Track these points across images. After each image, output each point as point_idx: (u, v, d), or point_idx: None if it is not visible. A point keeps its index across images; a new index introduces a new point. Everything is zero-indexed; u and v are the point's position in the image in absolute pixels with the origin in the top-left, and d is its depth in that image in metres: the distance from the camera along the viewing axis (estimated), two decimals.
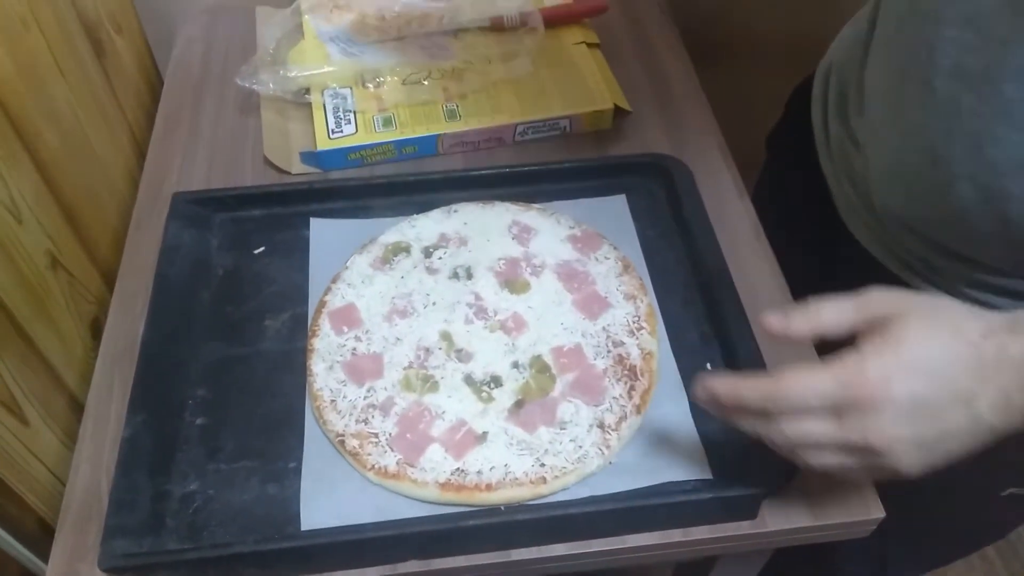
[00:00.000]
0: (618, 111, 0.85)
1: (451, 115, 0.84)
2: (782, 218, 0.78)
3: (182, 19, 0.98)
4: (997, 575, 1.41)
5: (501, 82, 0.86)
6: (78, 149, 0.74)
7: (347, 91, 0.85)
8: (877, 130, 0.65)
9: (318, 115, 0.83)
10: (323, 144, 0.81)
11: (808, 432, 0.47)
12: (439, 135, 0.82)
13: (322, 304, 0.69)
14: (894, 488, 0.60)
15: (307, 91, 0.85)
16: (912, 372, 0.45)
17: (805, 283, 0.72)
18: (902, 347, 0.45)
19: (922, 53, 0.54)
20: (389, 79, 0.86)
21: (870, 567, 0.87)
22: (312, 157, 0.81)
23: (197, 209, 0.75)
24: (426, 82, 0.86)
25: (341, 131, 0.82)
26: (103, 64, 0.82)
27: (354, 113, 0.83)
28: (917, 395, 0.45)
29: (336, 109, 0.83)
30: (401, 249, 0.73)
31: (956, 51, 0.52)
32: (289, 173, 0.81)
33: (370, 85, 0.86)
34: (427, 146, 0.83)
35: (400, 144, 0.82)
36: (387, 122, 0.83)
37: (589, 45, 0.92)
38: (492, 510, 0.58)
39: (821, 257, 0.78)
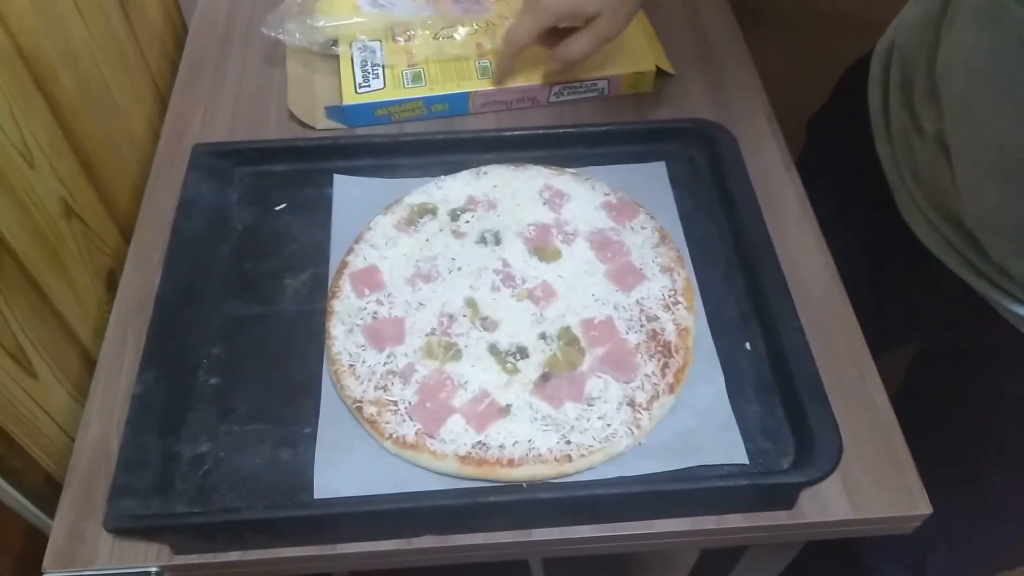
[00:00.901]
0: (660, 74, 0.80)
1: (483, 72, 0.80)
2: (823, 207, 0.73)
3: None
4: None
5: None
6: (96, 94, 0.72)
7: (376, 44, 0.81)
8: (968, 115, 0.59)
9: (345, 68, 0.80)
10: (349, 99, 0.78)
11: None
12: (470, 93, 0.78)
13: (343, 265, 0.66)
14: (942, 489, 0.57)
15: (334, 43, 0.82)
16: None
17: (852, 273, 0.68)
18: None
19: None
20: (420, 33, 0.82)
21: (905, 570, 0.84)
22: (338, 112, 0.78)
23: (218, 162, 0.73)
24: (458, 37, 0.82)
25: (368, 86, 0.78)
26: (124, 8, 0.79)
27: (382, 67, 0.80)
28: None
29: (364, 63, 0.80)
30: (427, 211, 0.70)
31: None
32: (314, 128, 0.78)
33: (400, 39, 0.82)
34: (458, 104, 0.79)
35: (429, 101, 0.78)
36: (416, 78, 0.79)
37: None
38: (513, 487, 0.55)
39: (871, 248, 0.73)
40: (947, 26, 0.62)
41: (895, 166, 0.71)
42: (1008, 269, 0.62)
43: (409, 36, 0.82)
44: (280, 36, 0.81)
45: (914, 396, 0.61)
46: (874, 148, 0.73)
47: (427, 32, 0.82)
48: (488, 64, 0.80)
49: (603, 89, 0.80)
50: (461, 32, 0.82)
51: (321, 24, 0.81)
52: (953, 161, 0.62)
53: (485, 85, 0.79)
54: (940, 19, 0.63)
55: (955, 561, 0.80)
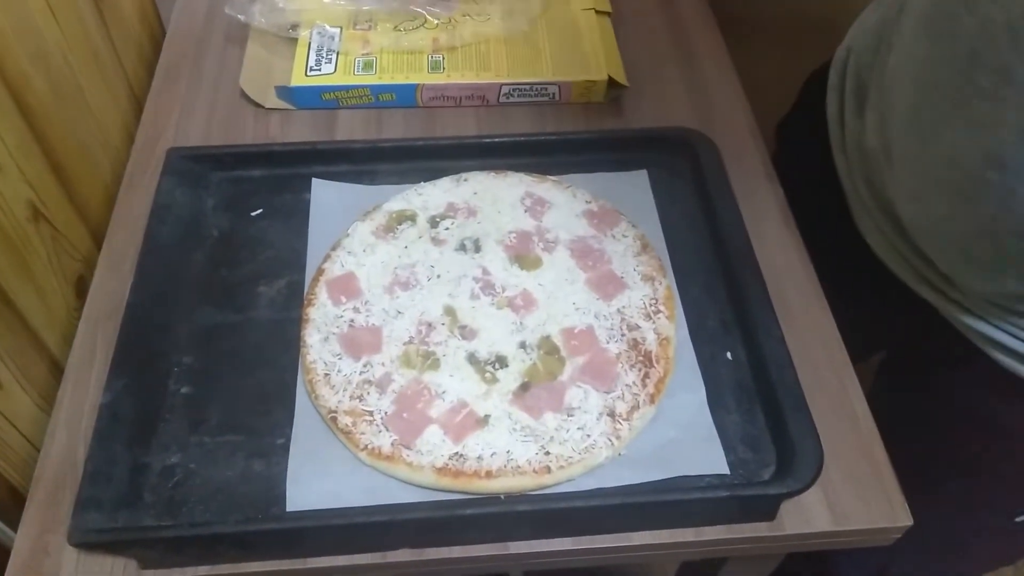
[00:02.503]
0: (614, 84, 0.80)
1: (435, 66, 0.80)
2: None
3: None
4: None
5: (494, 39, 0.83)
6: (68, 96, 0.70)
7: (336, 31, 0.82)
8: (917, 126, 0.58)
9: (300, 51, 0.81)
10: (298, 80, 0.79)
11: None
12: (418, 85, 0.79)
13: (320, 272, 0.65)
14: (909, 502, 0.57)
15: (296, 27, 0.82)
16: None
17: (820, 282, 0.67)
18: None
19: (1001, 36, 0.48)
20: (381, 23, 0.83)
21: (868, 574, 0.83)
22: (286, 92, 0.79)
23: (193, 166, 0.71)
24: (418, 31, 0.82)
25: (319, 69, 0.79)
26: (100, 9, 0.77)
27: (337, 54, 0.81)
28: None
29: (320, 48, 0.81)
30: (406, 217, 0.69)
31: None
32: (263, 106, 0.79)
33: (361, 27, 0.83)
34: (406, 96, 0.79)
35: (377, 90, 0.79)
36: (368, 66, 0.80)
37: (599, 12, 0.87)
38: (491, 499, 0.54)
39: (834, 257, 0.73)
40: (898, 34, 0.61)
41: (849, 175, 0.70)
42: (955, 280, 0.61)
43: (370, 25, 0.83)
44: (242, 18, 0.82)
45: (876, 405, 0.62)
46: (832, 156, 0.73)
47: (389, 24, 0.83)
48: (441, 59, 0.80)
49: (554, 95, 0.80)
50: (421, 26, 0.83)
51: (282, 6, 0.81)
52: (898, 171, 0.62)
53: (434, 79, 0.79)
54: (895, 25, 0.62)
55: (917, 568, 0.80)
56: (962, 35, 0.51)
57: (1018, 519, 0.71)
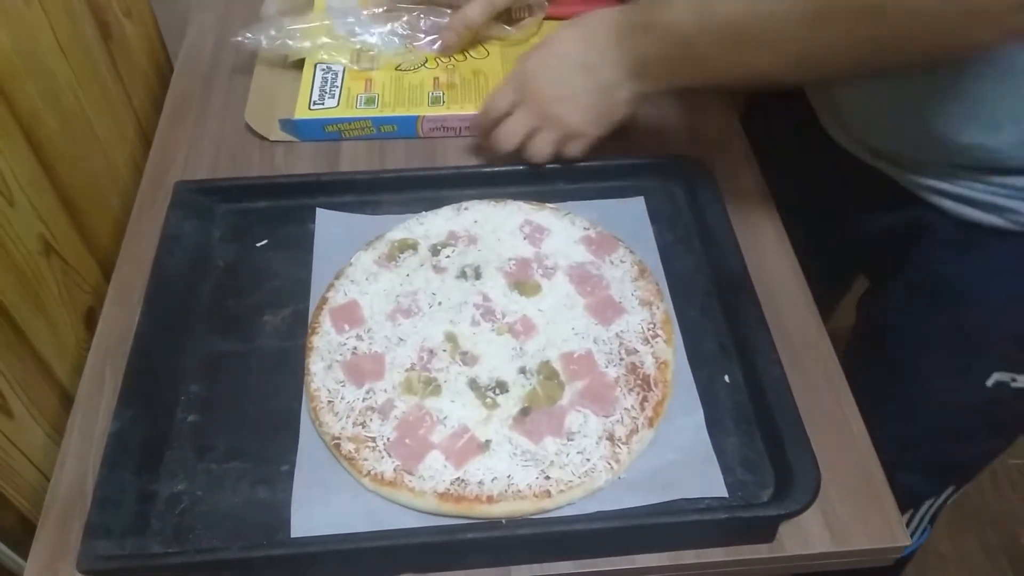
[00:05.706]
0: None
1: (435, 100, 0.82)
2: (764, 140, 0.80)
3: (195, 6, 0.96)
4: None
5: (493, 73, 0.85)
6: (78, 133, 0.72)
7: (339, 67, 0.85)
8: None
9: (304, 86, 0.83)
10: (302, 113, 0.81)
11: (510, 126, 0.72)
12: (419, 116, 0.81)
13: (324, 301, 0.67)
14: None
15: (301, 62, 0.85)
16: (543, 54, 0.71)
17: (794, 202, 0.75)
18: (542, 43, 0.71)
19: None
20: (384, 63, 0.85)
21: None
22: (290, 125, 0.81)
23: (200, 199, 0.73)
24: (419, 71, 0.85)
25: (322, 103, 0.82)
26: (109, 47, 0.80)
27: (340, 88, 0.83)
28: (549, 67, 0.70)
29: (324, 82, 0.83)
30: (408, 246, 0.70)
31: None
32: (267, 139, 0.81)
33: (364, 64, 0.85)
34: (407, 127, 0.81)
35: (379, 121, 0.81)
36: (370, 101, 0.82)
37: None
38: (493, 523, 0.55)
39: (798, 156, 0.78)
40: None
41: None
42: (903, 154, 0.69)
43: (372, 65, 0.85)
44: (246, 42, 0.84)
45: (862, 326, 0.65)
46: None
47: (390, 64, 0.85)
48: (441, 95, 0.83)
49: None
50: (422, 66, 0.85)
51: (293, 44, 0.84)
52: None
53: (434, 111, 0.81)
54: None
55: (923, 472, 0.84)
56: None
57: (988, 384, 0.73)
